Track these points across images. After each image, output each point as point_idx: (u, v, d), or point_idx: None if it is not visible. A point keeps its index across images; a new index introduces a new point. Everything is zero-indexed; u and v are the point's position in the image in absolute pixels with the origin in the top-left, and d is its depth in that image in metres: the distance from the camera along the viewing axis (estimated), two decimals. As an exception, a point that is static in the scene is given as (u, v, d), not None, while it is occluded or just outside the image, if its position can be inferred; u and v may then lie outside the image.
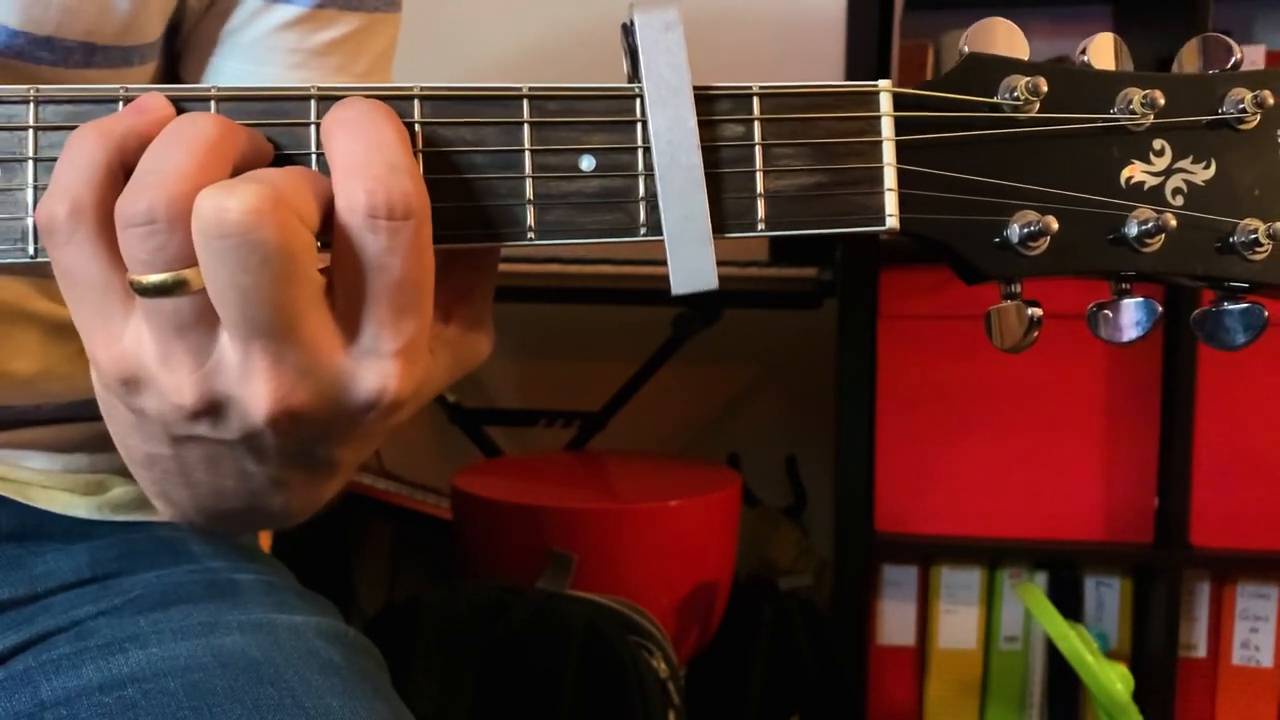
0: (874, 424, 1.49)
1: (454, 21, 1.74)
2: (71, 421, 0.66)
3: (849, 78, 1.46)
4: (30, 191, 0.41)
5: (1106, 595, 1.54)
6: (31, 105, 0.41)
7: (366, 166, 0.39)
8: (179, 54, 0.64)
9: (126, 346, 0.40)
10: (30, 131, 0.41)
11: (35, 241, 0.41)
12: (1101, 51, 0.46)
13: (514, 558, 1.37)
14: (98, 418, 0.68)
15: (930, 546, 1.52)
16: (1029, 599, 1.24)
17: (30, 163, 0.41)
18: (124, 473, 0.68)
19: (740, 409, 1.83)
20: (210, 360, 0.40)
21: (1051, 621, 1.20)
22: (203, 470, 0.46)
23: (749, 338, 1.77)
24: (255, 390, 0.40)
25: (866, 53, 1.44)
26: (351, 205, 0.38)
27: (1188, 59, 0.46)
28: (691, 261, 0.42)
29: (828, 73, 1.61)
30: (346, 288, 0.40)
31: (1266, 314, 0.46)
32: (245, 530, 0.66)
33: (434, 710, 1.13)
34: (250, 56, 0.62)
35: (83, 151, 0.39)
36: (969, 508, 1.49)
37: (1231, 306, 0.46)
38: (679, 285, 0.42)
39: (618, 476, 1.59)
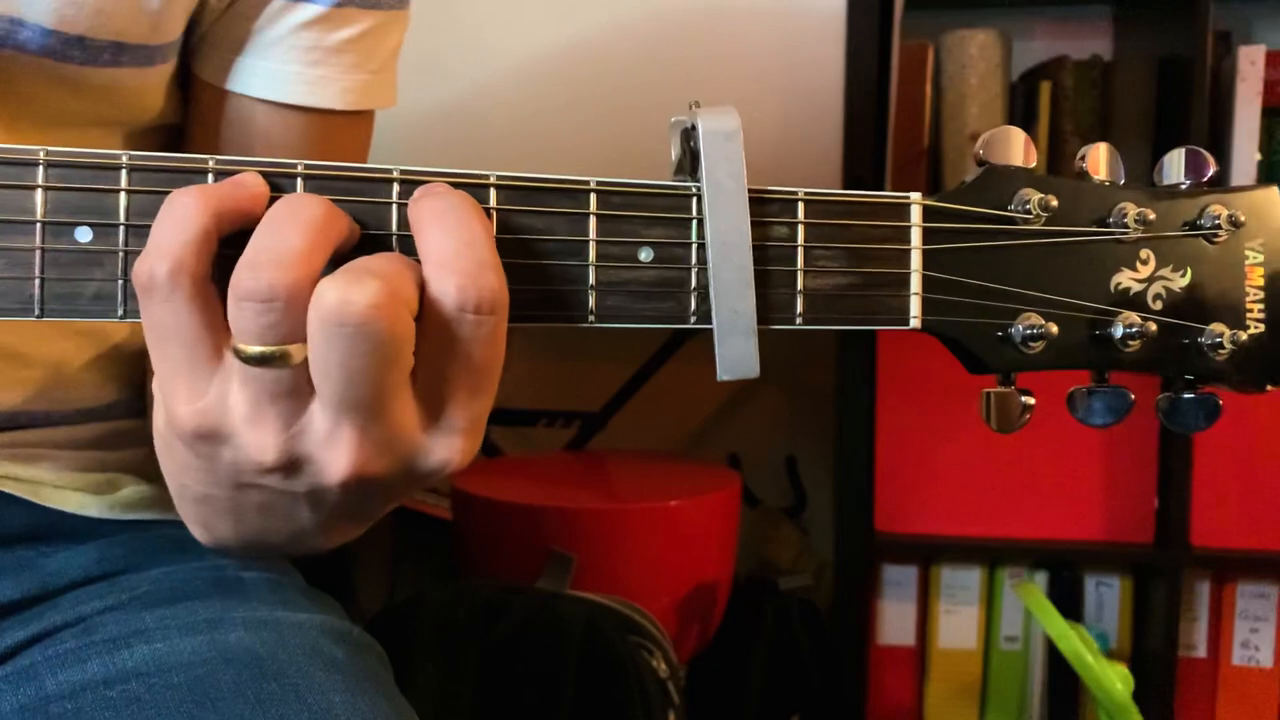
0: (874, 424, 1.49)
1: (462, 28, 1.74)
2: (83, 422, 0.67)
3: (849, 78, 1.46)
4: (121, 255, 0.43)
5: (1106, 595, 1.54)
6: (124, 172, 0.43)
7: (458, 261, 0.41)
8: (193, 52, 0.65)
9: (211, 402, 0.43)
10: (122, 197, 0.43)
11: (126, 303, 0.44)
12: (1097, 161, 0.51)
13: (514, 558, 1.37)
14: (108, 418, 0.68)
15: (930, 546, 1.52)
16: (1029, 599, 1.24)
17: (121, 228, 0.44)
18: (135, 471, 0.68)
19: (740, 409, 1.83)
20: (298, 424, 0.42)
21: (1051, 621, 1.20)
22: (255, 513, 0.48)
23: (749, 338, 1.77)
24: (337, 456, 0.43)
25: (866, 53, 1.44)
26: (443, 297, 0.41)
27: (1171, 167, 0.52)
28: (737, 351, 0.45)
29: (828, 73, 1.61)
30: (429, 370, 0.43)
31: (1220, 402, 0.52)
32: (275, 557, 0.68)
33: (434, 709, 1.13)
34: (271, 55, 0.62)
35: (185, 214, 0.41)
36: (969, 508, 1.49)
37: (1192, 395, 0.52)
38: (724, 373, 0.45)
39: (618, 476, 1.59)
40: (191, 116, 0.66)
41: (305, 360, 0.41)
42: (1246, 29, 1.61)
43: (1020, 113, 1.54)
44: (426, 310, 0.42)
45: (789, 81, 1.70)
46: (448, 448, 0.44)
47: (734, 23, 1.72)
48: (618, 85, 1.73)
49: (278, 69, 0.63)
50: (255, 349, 0.40)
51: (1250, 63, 1.42)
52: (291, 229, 0.41)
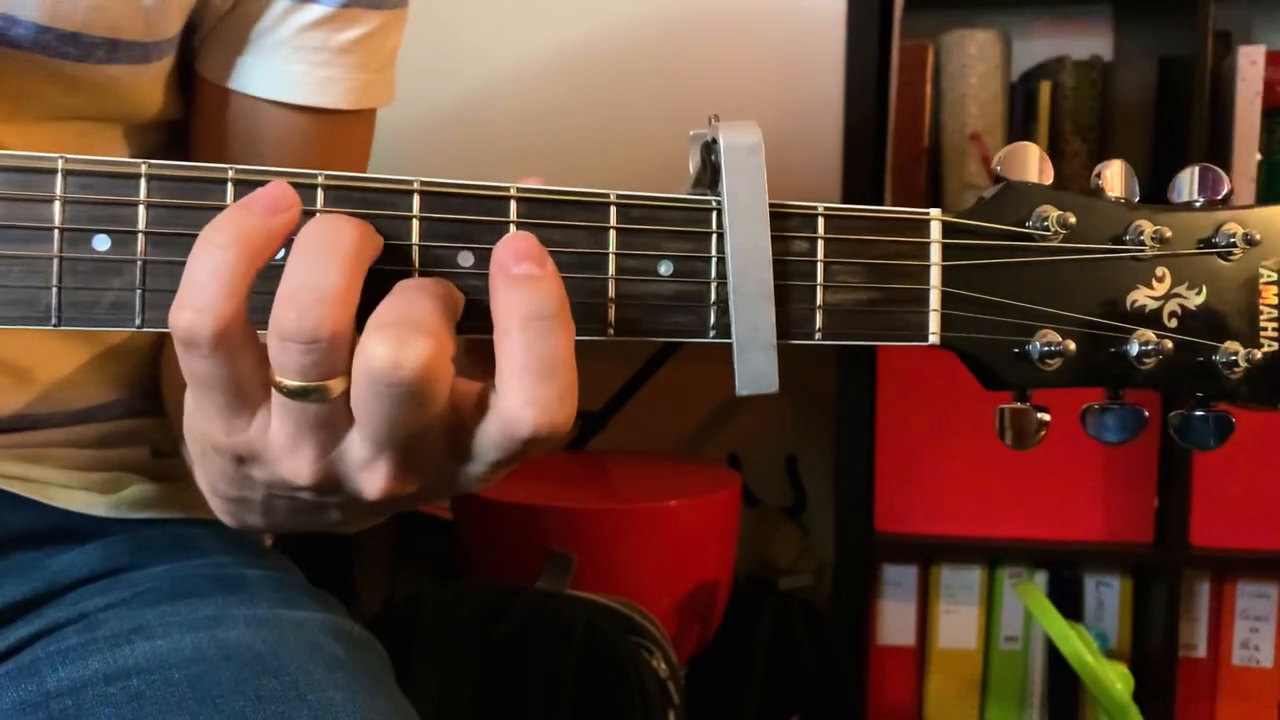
0: (874, 424, 1.49)
1: (467, 32, 1.74)
2: (84, 423, 0.67)
3: (849, 78, 1.46)
4: (139, 264, 0.43)
5: (1106, 595, 1.54)
6: (143, 180, 0.43)
7: (540, 391, 0.40)
8: (196, 50, 0.65)
9: (252, 433, 0.43)
10: (141, 207, 0.43)
11: (144, 313, 0.42)
12: (1113, 179, 0.51)
13: (514, 558, 1.37)
14: (107, 418, 0.68)
15: (930, 546, 1.52)
16: (1029, 599, 1.24)
17: (140, 236, 0.43)
18: (137, 470, 0.68)
19: (740, 409, 1.83)
20: (335, 451, 0.43)
21: (1051, 621, 1.20)
22: (286, 512, 0.48)
23: (749, 338, 1.77)
24: (374, 480, 0.43)
25: (866, 53, 1.44)
26: (515, 424, 0.41)
27: (1185, 185, 0.52)
28: (757, 367, 0.45)
29: (828, 73, 1.61)
30: (478, 450, 0.43)
31: (1234, 420, 0.52)
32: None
33: (434, 709, 1.13)
34: (278, 55, 0.63)
35: (224, 263, 0.40)
36: (969, 508, 1.49)
37: (1205, 413, 0.53)
38: (743, 388, 0.45)
39: (618, 476, 1.59)
40: (195, 115, 0.66)
41: (344, 392, 0.41)
42: (1246, 29, 1.61)
43: (1020, 113, 1.54)
44: (489, 415, 0.41)
45: (789, 82, 1.70)
46: (481, 477, 0.45)
47: (734, 23, 1.72)
48: (617, 86, 1.73)
49: (284, 69, 0.63)
50: (295, 383, 0.40)
51: (1250, 63, 1.42)
52: (331, 262, 0.40)
